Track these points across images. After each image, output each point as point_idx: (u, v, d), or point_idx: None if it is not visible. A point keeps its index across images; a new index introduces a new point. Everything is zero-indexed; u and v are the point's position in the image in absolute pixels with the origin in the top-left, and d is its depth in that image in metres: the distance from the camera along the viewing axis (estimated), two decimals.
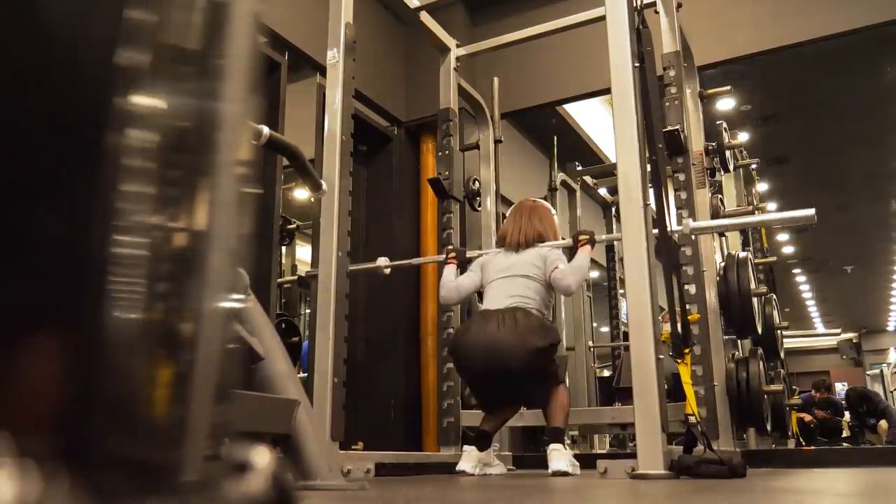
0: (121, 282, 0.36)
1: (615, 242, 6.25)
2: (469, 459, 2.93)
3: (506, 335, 2.80)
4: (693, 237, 3.14)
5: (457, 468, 2.94)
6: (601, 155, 7.46)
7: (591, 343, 5.85)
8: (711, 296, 3.41)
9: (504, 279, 3.04)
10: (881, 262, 13.46)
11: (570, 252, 3.19)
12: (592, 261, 7.70)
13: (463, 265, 3.40)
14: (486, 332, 2.85)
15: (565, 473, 2.69)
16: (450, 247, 3.64)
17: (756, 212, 5.44)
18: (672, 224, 2.94)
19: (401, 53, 5.21)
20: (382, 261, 3.65)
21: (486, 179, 4.32)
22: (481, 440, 2.99)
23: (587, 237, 3.12)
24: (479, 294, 3.36)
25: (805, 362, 17.50)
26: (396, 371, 4.67)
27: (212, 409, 0.39)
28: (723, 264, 3.85)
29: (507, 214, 3.40)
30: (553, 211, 3.37)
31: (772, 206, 9.97)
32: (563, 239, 3.29)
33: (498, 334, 2.82)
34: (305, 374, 3.88)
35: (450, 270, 3.36)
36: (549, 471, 2.73)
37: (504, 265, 3.09)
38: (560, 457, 2.74)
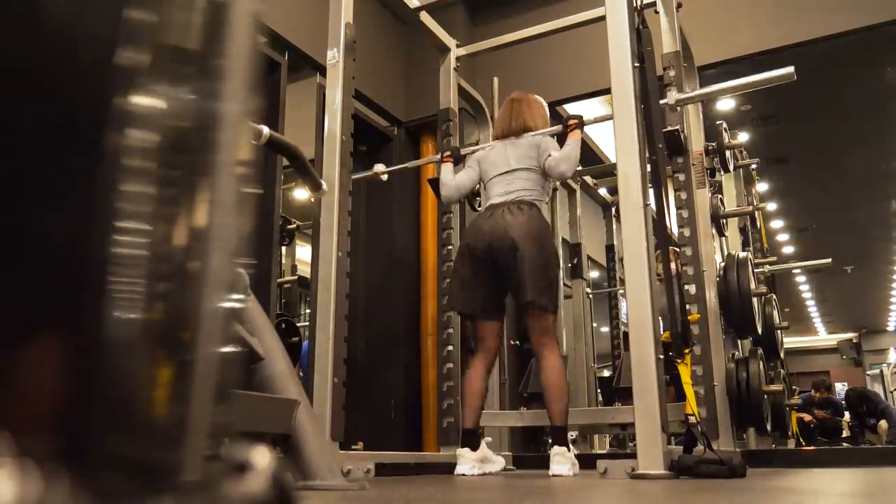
0: (121, 282, 0.36)
1: (615, 242, 6.26)
2: (465, 462, 2.93)
3: (512, 218, 2.96)
4: (678, 109, 3.22)
5: (455, 473, 2.94)
6: (601, 155, 7.46)
7: (594, 364, 5.86)
8: (711, 296, 3.41)
9: (504, 175, 3.13)
10: (881, 262, 13.46)
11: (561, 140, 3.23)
12: (592, 260, 7.69)
13: (458, 163, 3.49)
14: (493, 219, 3.00)
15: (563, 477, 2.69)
16: (445, 144, 3.74)
17: (756, 212, 5.45)
18: (672, 224, 2.96)
19: (401, 53, 5.21)
20: (379, 167, 3.80)
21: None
22: (470, 439, 2.99)
23: (576, 121, 3.18)
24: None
25: (805, 362, 17.51)
26: (396, 371, 4.67)
27: (212, 409, 0.39)
28: (723, 265, 3.85)
29: (500, 108, 3.50)
30: (543, 102, 3.41)
31: (772, 206, 9.97)
32: (552, 126, 3.34)
33: (505, 217, 2.97)
34: (304, 375, 3.88)
35: (447, 169, 3.45)
36: (550, 473, 2.73)
37: (500, 159, 3.17)
38: (562, 461, 2.73)
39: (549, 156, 3.06)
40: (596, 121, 3.52)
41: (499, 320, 3.17)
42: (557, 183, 5.68)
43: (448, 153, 3.53)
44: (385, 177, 3.81)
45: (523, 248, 2.89)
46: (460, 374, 3.65)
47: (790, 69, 2.91)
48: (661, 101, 3.05)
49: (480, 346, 3.15)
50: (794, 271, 13.39)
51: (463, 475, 2.89)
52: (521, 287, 2.92)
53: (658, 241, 2.71)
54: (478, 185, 3.83)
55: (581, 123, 3.18)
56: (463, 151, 3.56)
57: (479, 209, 4.26)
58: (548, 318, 2.95)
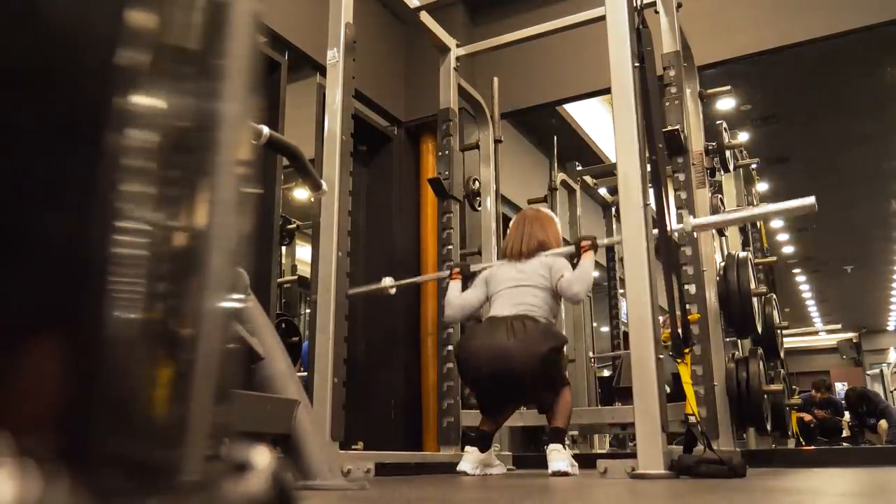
0: (121, 282, 0.36)
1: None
2: (470, 460, 2.93)
3: (513, 342, 2.80)
4: (695, 234, 3.14)
5: (458, 468, 2.94)
6: (601, 155, 7.46)
7: (591, 355, 5.84)
8: (711, 296, 3.41)
9: (511, 289, 3.02)
10: (881, 262, 13.46)
11: (572, 259, 3.17)
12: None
13: (467, 280, 3.38)
14: (494, 339, 2.85)
15: (565, 473, 2.69)
16: (451, 262, 3.62)
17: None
18: (672, 223, 2.95)
19: (401, 53, 5.21)
20: (388, 280, 3.63)
21: (486, 179, 4.31)
22: (482, 441, 2.99)
23: (589, 242, 3.09)
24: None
25: (805, 362, 17.50)
26: (396, 371, 4.67)
27: (212, 409, 0.39)
28: (723, 264, 3.85)
29: (511, 224, 3.38)
30: (556, 218, 3.35)
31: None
32: (565, 244, 3.27)
33: (506, 341, 2.81)
34: (305, 373, 3.88)
35: (454, 287, 3.34)
36: (549, 471, 2.73)
37: (509, 276, 3.07)
38: (560, 457, 2.74)
39: (562, 276, 2.97)
40: (609, 244, 3.45)
41: (524, 400, 3.22)
42: (557, 182, 5.69)
43: (457, 269, 3.43)
44: (393, 290, 3.65)
45: (527, 377, 2.80)
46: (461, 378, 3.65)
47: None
48: (676, 227, 2.93)
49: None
50: (795, 271, 13.39)
51: (465, 473, 2.89)
52: (539, 404, 3.01)
53: (658, 241, 2.71)
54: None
55: (594, 245, 3.10)
56: (473, 268, 3.45)
57: (479, 209, 4.28)
58: (562, 393, 2.98)
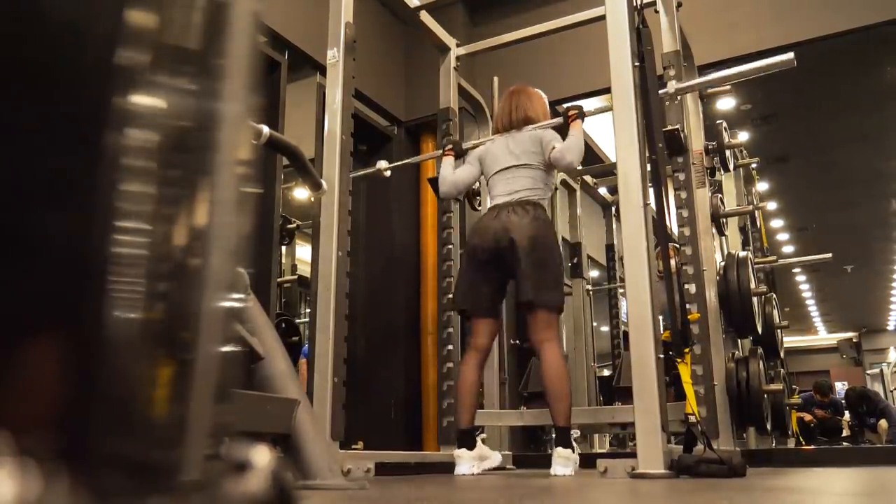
0: (121, 281, 0.36)
1: (615, 242, 6.26)
2: (464, 462, 2.92)
3: (516, 218, 2.95)
4: (677, 98, 3.21)
5: (455, 473, 2.93)
6: (601, 155, 7.46)
7: (593, 360, 5.86)
8: (711, 295, 3.41)
9: (507, 171, 3.09)
10: (881, 261, 13.46)
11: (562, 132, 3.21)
12: (592, 260, 7.68)
13: (460, 156, 3.46)
14: (498, 220, 2.99)
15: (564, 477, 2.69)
16: (446, 140, 3.71)
17: (756, 211, 5.45)
18: (672, 223, 2.95)
19: (401, 53, 5.21)
20: (383, 164, 3.81)
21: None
22: (466, 439, 2.98)
23: (576, 111, 3.15)
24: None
25: (805, 362, 17.50)
26: (396, 370, 4.67)
27: (212, 409, 0.39)
28: (723, 264, 3.85)
29: (500, 101, 3.47)
30: (542, 94, 3.38)
31: (772, 205, 9.97)
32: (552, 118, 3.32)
33: (510, 216, 2.96)
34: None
35: (448, 163, 3.41)
36: (551, 472, 2.72)
37: (501, 154, 3.13)
38: (564, 463, 2.72)
39: (554, 148, 3.02)
40: (596, 112, 3.50)
41: (494, 319, 3.16)
42: (557, 182, 5.69)
43: (450, 147, 3.51)
44: (388, 173, 3.81)
45: (524, 248, 2.87)
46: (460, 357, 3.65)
47: (790, 55, 2.90)
48: (661, 91, 3.03)
49: (473, 342, 3.14)
50: (794, 270, 13.39)
51: (463, 475, 2.89)
52: (521, 286, 2.91)
53: (658, 241, 2.70)
54: (477, 184, 3.84)
55: (581, 114, 3.15)
56: (465, 146, 3.54)
57: (480, 208, 4.27)
58: (548, 316, 2.92)
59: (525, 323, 3.22)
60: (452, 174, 3.34)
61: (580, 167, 6.07)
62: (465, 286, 3.12)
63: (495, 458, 3.07)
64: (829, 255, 5.33)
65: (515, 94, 3.29)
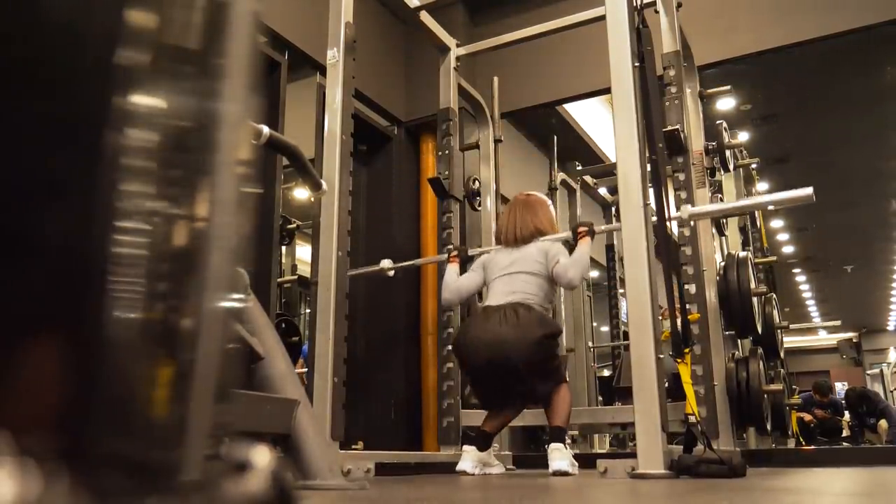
0: (121, 281, 0.36)
1: (615, 242, 6.26)
2: (469, 459, 2.93)
3: (508, 329, 2.82)
4: (692, 223, 3.16)
5: (457, 468, 2.94)
6: (601, 155, 7.46)
7: (591, 343, 5.85)
8: (711, 295, 3.41)
9: (506, 276, 3.04)
10: (881, 261, 13.46)
11: (571, 245, 3.18)
12: (592, 260, 7.69)
13: (465, 263, 3.40)
14: (489, 328, 2.87)
15: (565, 473, 2.69)
16: (451, 246, 3.64)
17: (756, 212, 5.45)
18: (671, 214, 2.95)
19: (401, 53, 5.21)
20: (386, 263, 3.67)
21: (486, 179, 4.32)
22: (482, 440, 2.99)
23: (586, 228, 3.11)
24: (480, 294, 3.39)
25: (805, 362, 17.50)
26: (396, 371, 4.67)
27: (212, 409, 0.39)
28: (723, 264, 3.85)
29: (503, 211, 3.41)
30: (549, 202, 3.35)
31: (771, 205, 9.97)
32: (561, 231, 3.28)
33: (500, 329, 2.83)
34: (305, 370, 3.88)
35: (452, 271, 3.36)
36: (550, 470, 2.73)
37: (506, 262, 3.09)
38: (561, 457, 2.74)
39: (558, 262, 2.97)
40: (606, 230, 3.47)
41: (522, 392, 3.07)
42: (557, 182, 5.69)
43: (455, 253, 3.43)
44: (392, 273, 3.70)
45: (520, 364, 2.80)
46: (461, 374, 3.65)
47: (809, 191, 2.80)
48: (674, 215, 2.93)
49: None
50: (795, 270, 13.40)
51: (465, 472, 2.89)
52: (533, 394, 2.98)
53: (658, 241, 2.71)
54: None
55: (591, 231, 3.11)
56: (470, 252, 3.45)
57: (479, 209, 4.28)
58: (558, 388, 2.96)
59: None
60: (456, 281, 3.28)
61: (579, 167, 6.11)
62: (483, 393, 3.12)
63: (499, 468, 3.07)
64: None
65: (520, 206, 3.23)
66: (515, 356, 2.79)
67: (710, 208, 3.38)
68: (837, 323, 17.13)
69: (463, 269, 3.38)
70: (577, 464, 2.85)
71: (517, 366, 2.80)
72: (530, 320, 2.85)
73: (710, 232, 3.65)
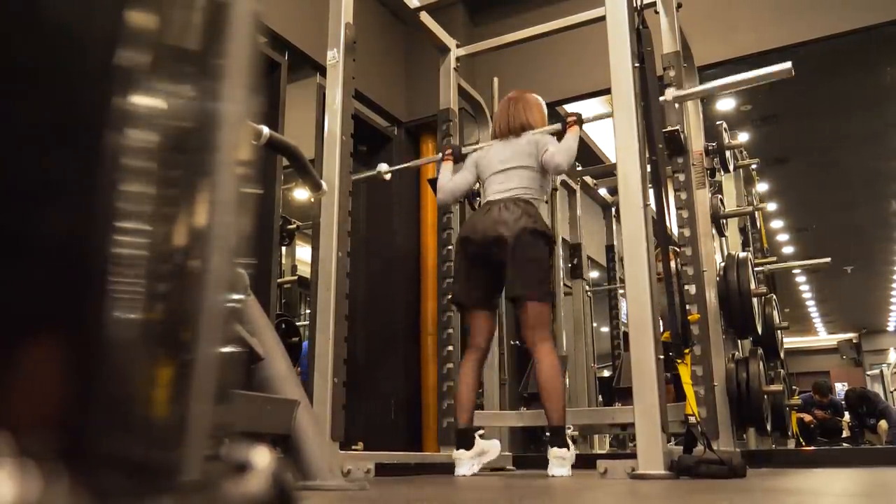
0: (121, 282, 0.36)
1: (615, 242, 6.26)
2: (463, 463, 2.92)
3: (507, 215, 2.98)
4: (675, 105, 3.25)
5: (455, 475, 2.92)
6: (601, 155, 7.46)
7: (594, 364, 5.86)
8: (711, 296, 3.41)
9: (502, 173, 3.14)
10: (881, 262, 13.46)
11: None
12: (592, 261, 7.67)
13: (458, 161, 3.49)
14: (489, 215, 3.03)
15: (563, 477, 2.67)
16: (445, 142, 3.73)
17: (756, 212, 5.45)
18: (672, 224, 2.95)
19: (401, 53, 5.21)
20: (383, 167, 3.85)
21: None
22: (464, 439, 2.98)
23: (575, 118, 3.20)
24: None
25: (805, 362, 17.50)
26: (396, 371, 4.67)
27: (212, 409, 0.39)
28: (723, 265, 3.85)
29: (498, 106, 3.52)
30: (541, 100, 3.40)
31: (772, 206, 9.97)
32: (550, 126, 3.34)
33: (499, 215, 2.99)
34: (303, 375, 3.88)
35: (446, 169, 3.45)
36: (549, 473, 2.72)
37: (499, 158, 3.18)
38: (561, 464, 2.71)
39: (547, 150, 3.08)
40: (595, 118, 3.53)
41: (490, 312, 3.18)
42: (557, 183, 5.69)
43: (449, 151, 3.54)
44: (388, 176, 3.83)
45: (513, 242, 2.91)
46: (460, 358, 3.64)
47: (787, 65, 2.94)
48: (660, 98, 3.07)
49: (471, 342, 3.17)
50: (795, 271, 13.40)
51: (464, 475, 2.89)
52: (509, 281, 2.97)
53: (658, 241, 2.70)
54: (477, 185, 3.83)
55: (580, 120, 3.21)
56: (464, 150, 3.55)
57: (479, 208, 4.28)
58: (539, 311, 2.94)
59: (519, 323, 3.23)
60: (450, 181, 3.37)
61: (579, 168, 6.10)
62: (461, 280, 3.17)
63: (494, 446, 3.06)
64: (828, 259, 5.34)
65: (514, 100, 3.32)
66: (508, 231, 2.92)
67: (696, 90, 3.47)
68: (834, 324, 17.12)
69: (456, 169, 3.47)
70: (573, 457, 2.81)
71: (503, 235, 2.92)
72: (526, 210, 2.99)
73: (710, 232, 3.65)
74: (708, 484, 2.04)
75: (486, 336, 3.16)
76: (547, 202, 3.40)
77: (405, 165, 4.21)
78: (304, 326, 5.26)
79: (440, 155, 3.62)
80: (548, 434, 2.91)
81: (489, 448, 3.05)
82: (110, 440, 0.35)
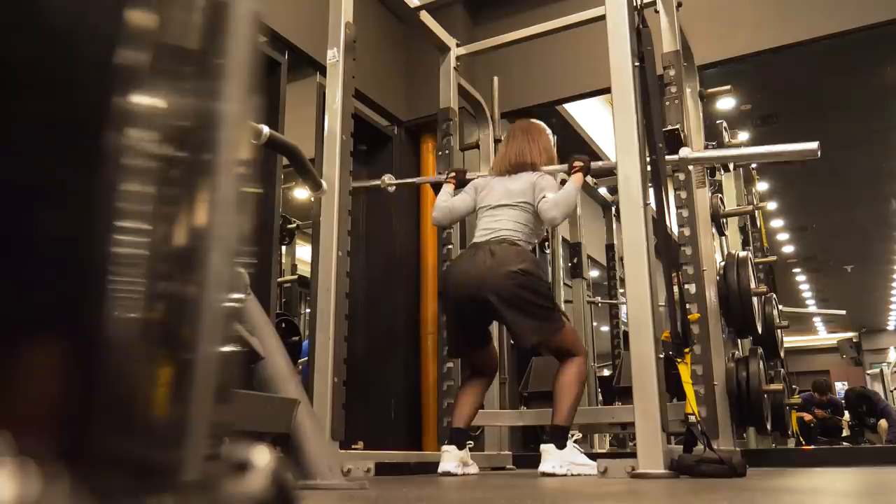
0: (121, 281, 0.36)
1: (615, 242, 6.26)
2: (450, 459, 2.88)
3: (490, 262, 2.85)
4: (689, 168, 3.19)
5: (440, 469, 2.88)
6: (601, 155, 7.46)
7: (594, 364, 5.85)
8: (711, 295, 3.41)
9: (494, 209, 3.06)
10: (881, 261, 13.46)
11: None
12: (593, 260, 7.67)
13: (461, 187, 3.42)
14: (472, 263, 2.90)
15: (552, 475, 2.66)
16: (452, 168, 3.66)
17: (756, 211, 5.45)
18: (672, 223, 2.95)
19: (401, 53, 5.21)
20: (387, 178, 3.84)
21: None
22: (457, 438, 2.95)
23: (581, 164, 3.11)
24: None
25: (805, 362, 17.51)
26: (396, 370, 4.67)
27: (212, 409, 0.39)
28: (723, 263, 3.85)
29: (503, 138, 3.44)
30: (547, 130, 3.33)
31: (772, 205, 9.98)
32: (557, 163, 3.29)
33: (482, 265, 2.86)
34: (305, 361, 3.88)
35: (446, 191, 3.39)
36: (539, 471, 2.70)
37: (497, 192, 3.09)
38: (550, 458, 2.70)
39: (544, 197, 2.95)
40: (602, 167, 3.47)
41: (489, 345, 3.15)
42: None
43: (453, 175, 3.47)
44: (392, 188, 3.80)
45: (503, 301, 2.80)
46: (460, 374, 3.65)
47: (814, 145, 2.78)
48: (673, 157, 2.98)
49: (472, 369, 3.15)
50: (795, 270, 13.41)
51: (448, 472, 2.84)
52: (515, 336, 2.94)
53: (658, 241, 2.70)
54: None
55: (586, 167, 3.11)
56: (469, 176, 3.48)
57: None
58: (558, 341, 2.90)
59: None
60: (449, 201, 3.30)
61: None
62: (453, 333, 3.11)
63: (474, 468, 3.05)
64: (843, 311, 5.33)
65: (519, 134, 3.22)
66: (486, 290, 2.81)
67: (708, 155, 3.46)
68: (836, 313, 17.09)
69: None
70: (582, 463, 2.75)
71: (488, 299, 2.81)
72: (508, 254, 2.86)
73: (710, 231, 3.65)
74: (708, 483, 2.04)
75: (491, 362, 3.16)
76: (534, 246, 3.30)
77: (409, 181, 4.20)
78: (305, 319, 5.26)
79: (444, 175, 3.56)
80: (547, 431, 2.90)
81: (471, 463, 3.00)
82: (110, 440, 0.35)
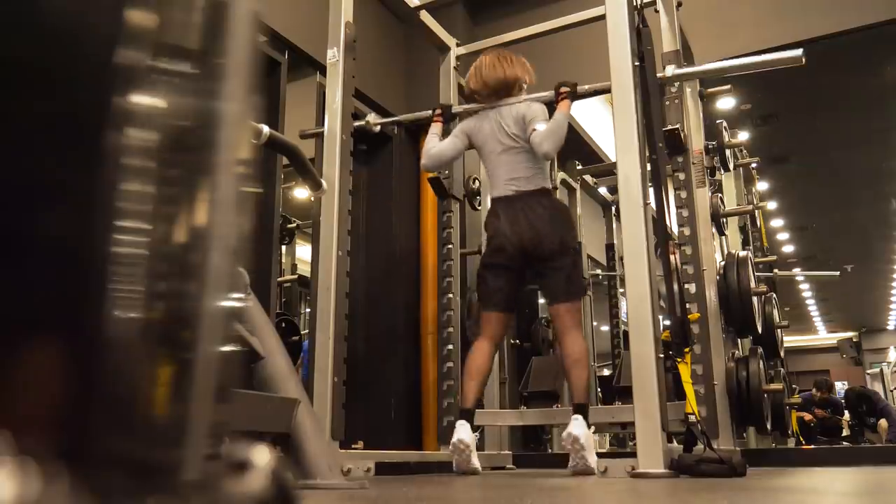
0: (121, 281, 0.36)
1: (615, 241, 6.26)
2: (465, 431, 2.89)
3: (536, 219, 2.88)
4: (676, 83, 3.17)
5: (454, 438, 2.89)
6: (601, 154, 7.46)
7: (594, 363, 5.85)
8: (711, 295, 3.41)
9: (505, 154, 3.01)
10: (881, 261, 13.47)
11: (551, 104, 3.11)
12: (593, 260, 7.67)
13: (448, 122, 3.39)
14: (518, 220, 2.90)
15: (576, 439, 2.61)
16: (437, 105, 3.59)
17: (756, 211, 5.45)
18: (672, 223, 2.95)
19: (401, 53, 5.21)
20: (372, 117, 3.76)
21: (485, 178, 4.31)
22: (469, 419, 2.96)
23: (568, 89, 3.05)
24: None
25: (805, 361, 17.51)
26: (396, 370, 4.66)
27: (212, 409, 0.39)
28: (723, 263, 3.85)
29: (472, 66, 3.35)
30: (522, 59, 3.28)
31: (772, 204, 9.97)
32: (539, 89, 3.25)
33: (532, 220, 2.88)
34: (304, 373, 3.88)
35: (433, 134, 3.33)
36: (565, 432, 2.68)
37: (492, 133, 3.04)
38: (578, 425, 2.66)
39: (534, 130, 2.90)
40: (591, 91, 3.33)
41: (511, 313, 3.17)
42: (558, 182, 5.69)
43: (439, 112, 3.41)
44: (377, 128, 3.70)
45: (555, 253, 2.87)
46: (460, 373, 3.65)
47: (798, 52, 2.83)
48: (659, 75, 2.98)
49: (486, 331, 3.10)
50: (795, 270, 13.39)
51: (462, 441, 2.84)
52: (552, 288, 2.96)
53: (658, 240, 2.71)
54: (477, 183, 3.82)
55: (573, 94, 3.05)
56: (455, 110, 3.43)
57: (480, 208, 4.27)
58: (575, 307, 2.97)
59: (523, 319, 3.20)
60: (437, 146, 3.24)
61: (579, 167, 6.10)
62: (490, 288, 3.06)
63: (478, 463, 3.04)
64: (837, 273, 5.32)
65: (493, 57, 3.20)
66: (550, 240, 2.86)
67: (697, 69, 3.40)
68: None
69: (445, 130, 3.35)
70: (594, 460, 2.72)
71: (551, 248, 2.86)
72: (554, 207, 2.97)
73: (710, 231, 3.65)
74: (708, 483, 2.04)
75: (503, 329, 3.16)
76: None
77: (396, 119, 4.12)
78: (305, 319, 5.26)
79: (430, 112, 3.51)
80: (550, 435, 2.90)
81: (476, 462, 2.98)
82: (111, 440, 0.35)
